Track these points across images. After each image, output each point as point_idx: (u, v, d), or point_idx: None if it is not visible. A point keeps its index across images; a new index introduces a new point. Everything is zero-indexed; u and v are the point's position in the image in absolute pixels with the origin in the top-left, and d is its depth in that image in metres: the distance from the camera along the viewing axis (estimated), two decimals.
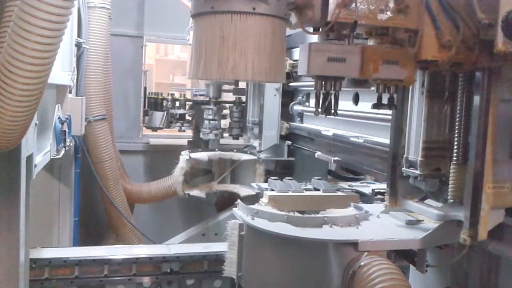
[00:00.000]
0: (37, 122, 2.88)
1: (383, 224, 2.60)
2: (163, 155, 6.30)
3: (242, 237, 2.61)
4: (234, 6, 1.74)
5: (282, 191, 2.86)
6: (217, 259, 3.64)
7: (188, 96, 6.82)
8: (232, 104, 5.98)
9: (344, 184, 3.69)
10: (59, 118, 3.83)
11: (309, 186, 3.19)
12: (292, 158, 5.57)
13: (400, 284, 2.15)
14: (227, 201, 5.64)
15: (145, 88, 6.55)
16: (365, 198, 3.30)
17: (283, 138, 5.44)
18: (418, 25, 1.73)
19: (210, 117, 5.77)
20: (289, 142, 5.44)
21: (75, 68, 4.98)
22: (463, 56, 1.79)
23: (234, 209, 2.83)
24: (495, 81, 1.90)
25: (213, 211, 6.12)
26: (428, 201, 2.46)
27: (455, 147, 2.15)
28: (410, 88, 2.29)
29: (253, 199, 3.12)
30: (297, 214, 2.65)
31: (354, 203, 2.83)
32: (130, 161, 6.64)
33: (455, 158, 2.14)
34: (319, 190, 3.06)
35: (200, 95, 6.29)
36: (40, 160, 3.25)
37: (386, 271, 2.18)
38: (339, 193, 3.02)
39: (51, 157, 3.67)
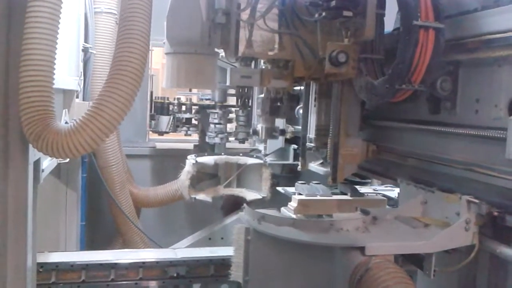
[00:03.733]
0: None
1: (390, 228, 2.59)
2: (170, 159, 6.32)
3: (249, 242, 2.60)
4: (183, 49, 2.84)
5: (310, 195, 2.87)
6: (224, 263, 3.64)
7: (194, 100, 6.85)
8: (237, 108, 5.99)
9: (369, 189, 3.70)
10: (66, 122, 3.85)
11: (336, 190, 3.20)
12: (298, 162, 5.55)
13: None
14: (234, 205, 5.64)
15: (151, 93, 6.58)
16: (391, 201, 3.28)
17: (288, 142, 5.43)
18: (292, 56, 2.74)
19: (216, 121, 5.78)
20: (295, 146, 5.43)
21: (82, 73, 5.02)
22: (318, 74, 2.78)
23: (240, 213, 2.83)
24: (347, 88, 2.96)
25: (219, 215, 6.12)
26: None
27: (330, 128, 3.12)
28: (310, 93, 3.38)
29: (259, 203, 3.12)
30: (303, 218, 2.64)
31: (382, 207, 2.84)
32: (136, 165, 6.66)
33: (330, 135, 3.10)
34: (346, 194, 3.07)
35: (206, 99, 6.31)
36: (47, 164, 3.26)
37: (394, 275, 2.18)
38: (367, 197, 3.03)
39: (58, 162, 3.69)
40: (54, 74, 2.29)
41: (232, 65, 2.94)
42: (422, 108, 2.73)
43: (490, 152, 2.37)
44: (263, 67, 2.87)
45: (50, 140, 2.24)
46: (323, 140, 3.22)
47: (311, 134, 3.35)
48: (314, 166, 3.42)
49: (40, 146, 2.27)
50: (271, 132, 2.85)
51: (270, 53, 2.65)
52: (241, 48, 2.61)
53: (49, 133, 2.25)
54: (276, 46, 2.64)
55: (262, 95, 3.14)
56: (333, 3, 2.43)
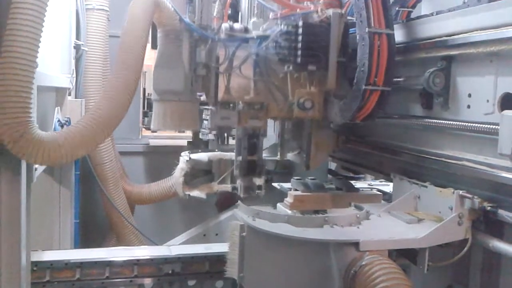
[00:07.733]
0: (37, 125, 2.88)
1: (384, 224, 2.60)
2: (163, 156, 6.29)
3: (243, 238, 2.61)
4: (168, 98, 3.13)
5: (306, 191, 2.90)
6: (219, 260, 3.64)
7: None
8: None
9: (364, 184, 3.72)
10: (58, 120, 3.83)
11: (331, 186, 3.22)
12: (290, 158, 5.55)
13: (402, 283, 2.16)
14: (228, 201, 5.63)
15: (144, 89, 6.54)
16: (386, 196, 3.30)
17: None
18: (266, 100, 3.00)
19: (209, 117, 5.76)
20: None
21: (74, 71, 4.99)
22: (289, 114, 3.00)
23: (235, 210, 2.84)
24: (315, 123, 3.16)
25: (213, 211, 6.11)
26: None
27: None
28: None
29: (253, 200, 3.13)
30: (297, 215, 2.65)
31: (377, 202, 2.86)
32: (130, 162, 6.64)
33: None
34: (341, 189, 3.09)
35: (199, 95, 6.27)
36: None
37: (388, 271, 2.19)
38: (362, 193, 3.06)
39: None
40: (34, 73, 2.26)
41: (212, 108, 3.21)
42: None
43: (482, 146, 2.38)
44: (241, 107, 3.08)
45: (31, 145, 2.28)
46: (299, 131, 3.42)
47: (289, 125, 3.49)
48: (291, 155, 3.50)
49: (17, 150, 2.28)
50: (249, 191, 2.95)
51: (246, 97, 2.94)
52: (220, 94, 2.94)
53: (30, 137, 2.26)
54: (252, 91, 2.94)
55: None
56: (298, 60, 2.73)
